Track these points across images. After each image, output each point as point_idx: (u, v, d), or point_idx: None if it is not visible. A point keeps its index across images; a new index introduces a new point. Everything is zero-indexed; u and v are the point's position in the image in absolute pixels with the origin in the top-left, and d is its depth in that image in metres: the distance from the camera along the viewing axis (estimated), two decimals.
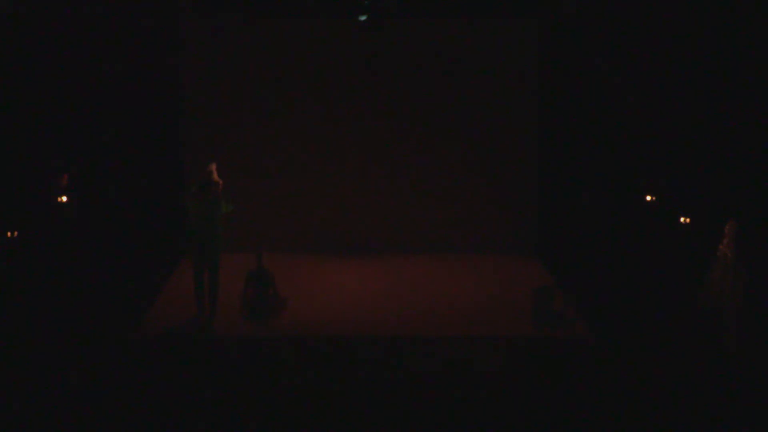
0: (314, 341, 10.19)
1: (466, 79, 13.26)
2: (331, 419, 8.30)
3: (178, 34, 13.01)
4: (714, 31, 12.28)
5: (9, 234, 11.23)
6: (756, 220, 10.89)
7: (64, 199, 11.89)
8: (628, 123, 12.97)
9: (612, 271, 12.14)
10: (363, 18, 12.31)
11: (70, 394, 8.65)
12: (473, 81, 13.27)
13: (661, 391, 8.82)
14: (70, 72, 12.42)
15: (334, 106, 13.36)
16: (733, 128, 12.32)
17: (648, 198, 12.58)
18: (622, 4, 12.61)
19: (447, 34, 13.18)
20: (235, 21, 13.03)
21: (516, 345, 10.14)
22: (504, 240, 13.58)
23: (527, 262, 13.13)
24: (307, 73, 13.25)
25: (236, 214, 11.12)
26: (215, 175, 10.57)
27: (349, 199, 13.56)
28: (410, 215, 13.61)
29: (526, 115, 13.38)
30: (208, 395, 8.71)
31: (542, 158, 13.45)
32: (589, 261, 12.49)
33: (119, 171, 12.86)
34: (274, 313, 10.90)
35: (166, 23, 12.85)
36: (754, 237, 10.18)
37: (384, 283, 12.20)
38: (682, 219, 11.92)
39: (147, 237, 12.82)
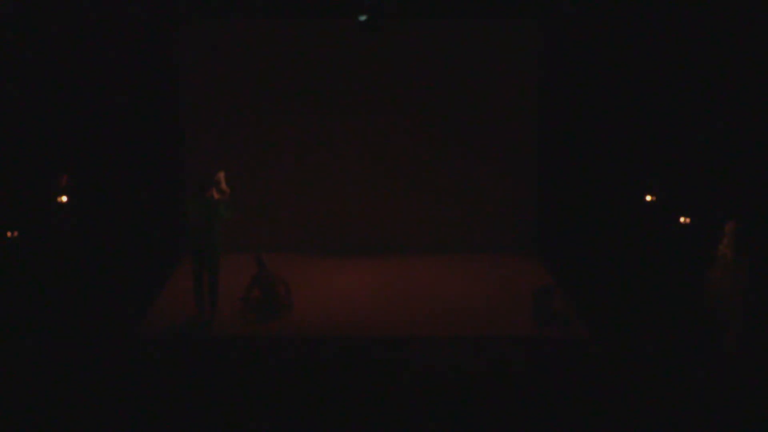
0: (313, 341, 10.19)
1: (466, 79, 13.27)
2: (331, 419, 8.30)
3: (177, 35, 13.00)
4: (714, 31, 12.28)
5: (9, 234, 11.23)
6: (756, 220, 10.87)
7: (64, 199, 11.90)
8: (628, 123, 12.96)
9: (612, 271, 12.13)
10: (363, 18, 12.27)
11: (71, 393, 8.65)
12: (474, 81, 13.27)
13: (661, 391, 8.82)
14: (71, 73, 12.42)
15: (334, 106, 13.37)
16: (733, 128, 12.31)
17: (648, 198, 12.57)
18: (623, 4, 12.60)
19: (448, 34, 13.18)
20: (235, 22, 13.03)
21: (516, 345, 10.14)
22: (504, 239, 13.59)
23: (527, 262, 13.13)
24: (308, 73, 13.25)
25: (236, 214, 11.15)
26: (223, 184, 10.97)
27: (349, 199, 13.56)
28: (410, 215, 13.62)
29: (526, 115, 13.39)
30: (208, 395, 8.71)
31: (542, 158, 13.45)
32: (589, 261, 12.48)
33: (119, 171, 12.85)
34: (278, 314, 10.91)
35: (166, 25, 12.84)
36: (754, 237, 10.16)
37: (384, 283, 12.20)
38: (682, 219, 11.92)
39: (147, 237, 12.82)
